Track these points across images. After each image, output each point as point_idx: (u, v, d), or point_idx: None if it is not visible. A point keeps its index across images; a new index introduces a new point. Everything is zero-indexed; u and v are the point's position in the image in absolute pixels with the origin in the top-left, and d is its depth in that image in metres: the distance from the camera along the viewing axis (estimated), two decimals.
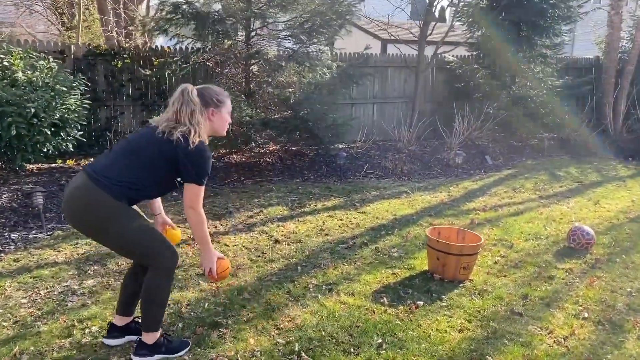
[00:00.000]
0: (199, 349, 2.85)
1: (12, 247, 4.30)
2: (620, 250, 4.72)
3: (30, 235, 4.58)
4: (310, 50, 7.72)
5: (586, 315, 3.45)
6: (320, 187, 6.72)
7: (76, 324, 3.06)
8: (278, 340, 2.97)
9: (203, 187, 2.56)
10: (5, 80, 5.78)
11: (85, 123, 6.50)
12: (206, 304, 3.36)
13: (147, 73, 7.51)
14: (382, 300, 3.52)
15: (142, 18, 9.05)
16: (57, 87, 6.03)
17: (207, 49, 8.01)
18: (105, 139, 7.46)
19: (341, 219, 5.42)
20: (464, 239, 4.16)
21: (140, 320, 2.80)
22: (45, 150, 5.99)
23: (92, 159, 6.24)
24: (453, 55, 10.19)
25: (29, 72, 6.03)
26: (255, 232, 4.90)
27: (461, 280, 3.91)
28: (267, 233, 4.88)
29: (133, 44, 9.31)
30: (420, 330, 3.16)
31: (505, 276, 4.06)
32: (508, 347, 3.01)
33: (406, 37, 10.53)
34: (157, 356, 2.72)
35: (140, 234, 2.53)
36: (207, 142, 2.58)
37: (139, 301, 2.70)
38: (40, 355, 2.74)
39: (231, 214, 5.41)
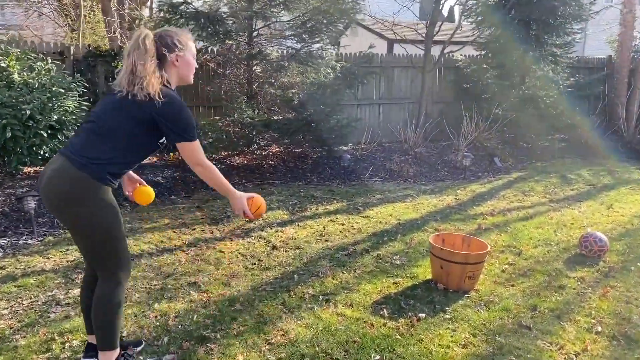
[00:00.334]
0: None
1: (0, 253, 4.16)
2: (635, 258, 4.48)
3: (21, 241, 4.44)
4: (313, 50, 7.56)
5: (599, 329, 3.23)
6: (323, 190, 6.54)
7: (56, 337, 2.90)
8: (269, 356, 2.79)
9: (197, 141, 2.35)
10: (1, 82, 5.67)
11: None
12: (195, 316, 3.19)
13: None
14: (381, 312, 3.33)
15: (144, 19, 8.94)
16: (54, 88, 5.91)
17: (209, 50, 7.88)
18: None
19: (343, 224, 5.24)
20: (470, 246, 3.95)
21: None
22: (42, 153, 5.86)
23: None
24: (461, 54, 9.98)
25: (26, 74, 5.92)
26: (253, 238, 4.73)
27: (466, 290, 3.70)
28: (264, 239, 4.71)
29: None
30: (422, 346, 2.96)
31: (513, 285, 3.86)
32: None
33: (413, 37, 10.32)
34: None
35: (114, 231, 2.34)
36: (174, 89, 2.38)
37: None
38: None
39: (229, 219, 5.25)
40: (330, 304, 3.44)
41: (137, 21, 10.08)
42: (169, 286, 3.61)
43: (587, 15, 9.38)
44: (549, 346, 3.01)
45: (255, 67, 7.64)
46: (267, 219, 5.27)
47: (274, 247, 4.49)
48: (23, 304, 3.30)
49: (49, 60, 6.24)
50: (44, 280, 3.66)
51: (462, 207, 6.02)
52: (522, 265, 4.27)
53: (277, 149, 8.19)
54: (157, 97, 2.24)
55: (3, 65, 5.82)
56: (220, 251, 4.35)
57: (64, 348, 2.81)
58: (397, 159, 8.11)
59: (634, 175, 8.10)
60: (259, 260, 4.18)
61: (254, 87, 7.66)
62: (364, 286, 3.74)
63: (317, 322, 3.16)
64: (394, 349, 2.90)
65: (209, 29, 6.90)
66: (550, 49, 9.30)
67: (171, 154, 7.68)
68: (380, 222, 5.32)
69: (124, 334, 2.96)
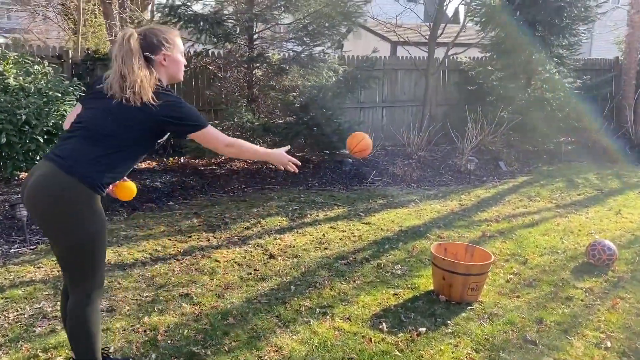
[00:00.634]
0: None
1: None
2: None
3: (12, 250, 4.34)
4: (314, 53, 7.44)
5: (609, 344, 3.08)
6: (324, 196, 6.41)
7: (40, 353, 2.78)
8: None
9: (209, 125, 2.31)
10: None
11: None
12: (186, 331, 3.07)
13: None
14: (380, 327, 3.19)
15: (144, 22, 8.86)
16: (51, 93, 5.82)
17: (209, 53, 7.79)
18: None
19: (343, 231, 5.11)
20: (473, 256, 3.82)
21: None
22: (38, 158, 5.76)
23: None
24: (466, 57, 9.83)
25: (22, 78, 5.83)
26: (250, 246, 4.60)
27: (469, 302, 3.56)
28: (262, 247, 4.58)
29: None
30: None
31: (518, 297, 3.71)
32: None
33: (416, 39, 10.19)
34: None
35: (98, 242, 2.22)
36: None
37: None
38: None
39: (227, 225, 5.13)
40: (327, 317, 3.31)
41: (138, 24, 10.00)
42: (161, 298, 3.49)
43: (593, 17, 9.22)
44: None
45: (255, 70, 7.53)
46: (266, 226, 5.15)
47: (272, 256, 4.36)
48: (8, 317, 3.19)
49: (46, 64, 6.15)
50: (33, 291, 3.55)
51: (466, 213, 5.88)
52: (527, 275, 4.12)
53: None
54: (152, 102, 2.15)
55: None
56: (216, 260, 4.22)
57: None
58: (400, 163, 7.97)
59: None
60: (255, 270, 4.06)
61: (255, 90, 7.55)
62: (363, 298, 3.61)
63: (312, 337, 3.03)
64: None
65: (209, 32, 6.79)
66: (556, 51, 9.14)
67: (170, 158, 7.59)
68: (381, 229, 5.19)
69: (111, 349, 2.84)
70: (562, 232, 5.22)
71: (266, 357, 2.82)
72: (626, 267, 4.31)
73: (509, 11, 8.83)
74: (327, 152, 7.64)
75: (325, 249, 4.59)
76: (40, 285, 3.64)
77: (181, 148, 7.38)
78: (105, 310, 3.30)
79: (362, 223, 5.38)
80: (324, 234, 4.97)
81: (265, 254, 4.40)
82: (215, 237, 4.80)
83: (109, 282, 3.72)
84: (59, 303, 3.37)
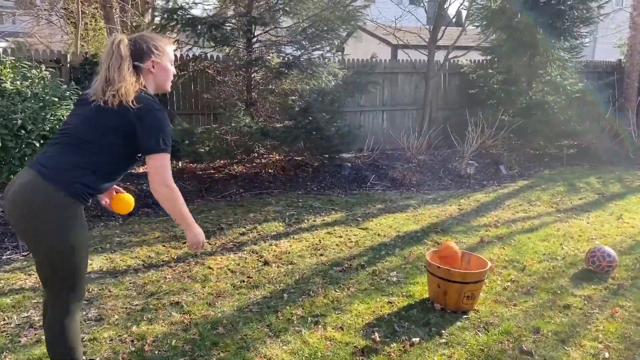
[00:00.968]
0: None
1: None
2: None
3: (4, 256, 4.30)
4: (313, 57, 7.39)
5: (607, 355, 3.01)
6: (322, 200, 6.35)
7: None
8: None
9: (169, 155, 2.17)
10: None
11: None
12: (174, 341, 3.01)
13: None
14: (373, 336, 3.13)
15: (144, 25, 8.84)
16: (47, 97, 5.79)
17: (209, 56, 7.75)
18: None
19: (340, 236, 5.05)
20: (469, 264, 3.75)
21: None
22: None
23: None
24: (466, 60, 9.77)
25: (19, 82, 5.80)
26: (245, 252, 4.55)
27: (465, 311, 3.50)
28: (257, 253, 4.53)
29: None
30: None
31: (515, 305, 3.64)
32: None
33: (416, 42, 10.13)
34: None
35: (79, 252, 2.16)
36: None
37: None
38: None
39: (222, 231, 5.08)
40: (320, 326, 3.25)
41: (139, 28, 9.99)
42: (151, 306, 3.44)
43: (595, 19, 9.14)
44: None
45: (254, 74, 7.49)
46: (262, 231, 5.10)
47: (266, 263, 4.30)
48: None
49: (43, 68, 6.13)
50: (21, 299, 3.50)
51: (464, 217, 5.81)
52: (525, 282, 4.05)
53: (276, 157, 8.01)
54: (131, 104, 2.09)
55: None
56: (209, 267, 4.17)
57: None
58: (400, 166, 7.91)
59: None
60: (248, 277, 4.00)
61: (254, 94, 7.51)
62: (356, 306, 3.54)
63: (303, 348, 2.97)
64: None
65: (207, 35, 6.76)
66: (558, 54, 9.06)
67: None
68: (378, 235, 5.13)
69: None
70: (562, 237, 5.15)
71: None
72: (626, 274, 4.24)
73: (510, 14, 8.77)
74: (327, 156, 7.58)
75: (321, 255, 4.53)
76: (29, 294, 3.60)
77: (179, 152, 7.34)
78: (93, 319, 3.25)
79: (360, 228, 5.33)
80: (320, 240, 4.91)
81: (260, 261, 4.35)
82: (209, 243, 4.75)
83: (100, 290, 3.68)
84: None
